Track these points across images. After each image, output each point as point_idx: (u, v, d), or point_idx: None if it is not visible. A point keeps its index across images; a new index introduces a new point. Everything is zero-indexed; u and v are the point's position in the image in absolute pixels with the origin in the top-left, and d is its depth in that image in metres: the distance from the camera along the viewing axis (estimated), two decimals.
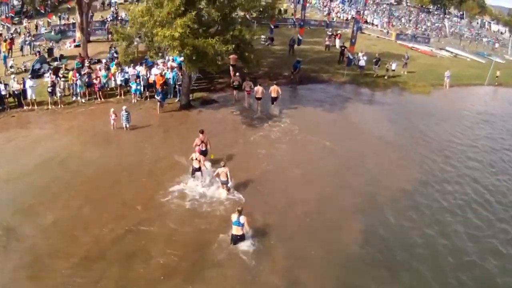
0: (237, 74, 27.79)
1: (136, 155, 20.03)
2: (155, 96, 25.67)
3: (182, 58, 24.12)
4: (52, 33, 38.14)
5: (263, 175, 18.96)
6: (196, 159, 17.08)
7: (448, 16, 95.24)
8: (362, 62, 35.36)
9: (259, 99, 25.83)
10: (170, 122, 24.58)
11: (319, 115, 27.03)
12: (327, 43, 42.67)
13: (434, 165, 21.68)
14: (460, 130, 27.19)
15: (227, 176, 16.28)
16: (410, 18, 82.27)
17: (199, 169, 17.25)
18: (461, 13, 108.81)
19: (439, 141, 24.94)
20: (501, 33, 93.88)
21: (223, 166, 16.35)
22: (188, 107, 26.67)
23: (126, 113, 22.40)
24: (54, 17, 47.20)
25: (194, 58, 22.61)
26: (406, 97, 33.03)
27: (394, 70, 36.46)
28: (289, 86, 31.87)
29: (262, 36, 42.98)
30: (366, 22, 64.21)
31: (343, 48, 38.20)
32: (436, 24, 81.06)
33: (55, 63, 31.15)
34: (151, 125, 23.64)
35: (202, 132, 18.56)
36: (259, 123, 24.97)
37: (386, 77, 35.76)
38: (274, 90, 25.90)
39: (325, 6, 67.79)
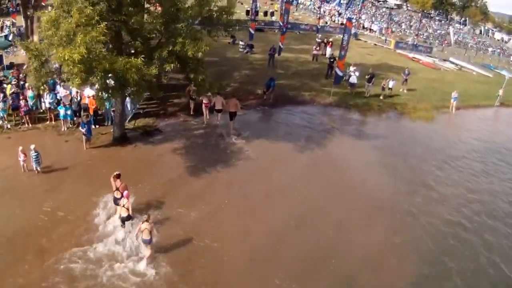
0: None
1: (32, 214, 14.00)
2: (80, 128, 18.90)
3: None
4: (11, 36, 31.70)
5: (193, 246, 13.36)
6: (124, 206, 13.21)
7: (451, 23, 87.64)
8: (353, 79, 28.20)
9: (219, 111, 21.48)
10: (94, 162, 17.72)
11: (289, 152, 20.11)
12: (314, 52, 35.38)
13: (445, 245, 14.68)
14: (476, 178, 20.19)
15: (150, 233, 12.23)
16: (411, 23, 74.78)
17: (129, 218, 13.33)
18: (463, 19, 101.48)
19: (448, 198, 17.94)
20: (505, 41, 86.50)
21: (146, 220, 12.34)
22: (122, 141, 19.72)
23: (36, 153, 16.52)
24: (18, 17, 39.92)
25: (114, 85, 16.32)
26: (405, 126, 25.85)
27: (391, 89, 29.32)
28: (260, 108, 24.96)
29: (241, 42, 35.93)
30: (363, 27, 56.88)
31: (332, 59, 30.95)
32: (439, 31, 73.59)
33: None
34: (68, 168, 16.96)
35: (118, 176, 14.04)
36: (205, 164, 18.17)
37: (381, 97, 28.54)
38: (232, 104, 21.00)
39: (319, 8, 60.23)
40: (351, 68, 29.05)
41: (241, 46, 36.04)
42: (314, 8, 65.98)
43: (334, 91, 27.64)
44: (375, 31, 56.59)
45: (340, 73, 26.80)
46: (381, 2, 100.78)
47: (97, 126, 20.76)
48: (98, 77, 15.37)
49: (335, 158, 20.08)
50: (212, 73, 28.78)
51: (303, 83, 29.42)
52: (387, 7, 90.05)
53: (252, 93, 26.28)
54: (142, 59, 15.44)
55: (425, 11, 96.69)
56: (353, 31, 50.37)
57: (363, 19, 62.08)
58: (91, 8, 14.64)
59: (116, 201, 13.86)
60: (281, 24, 43.99)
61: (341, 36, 47.08)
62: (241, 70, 30.72)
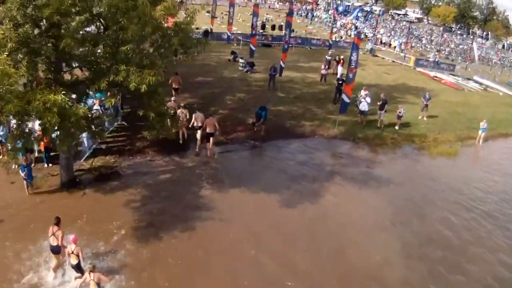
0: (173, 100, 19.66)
1: None
2: (20, 171, 14.73)
3: None
4: None
5: None
6: (73, 253, 10.72)
7: (472, 37, 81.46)
8: (364, 105, 23.24)
9: (198, 128, 18.30)
10: (32, 213, 13.54)
11: (273, 209, 15.24)
12: (323, 71, 30.46)
13: None
14: None
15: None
16: (432, 38, 69.12)
17: (78, 266, 10.83)
18: (485, 33, 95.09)
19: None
20: None
21: (91, 271, 9.98)
22: (71, 186, 15.33)
23: None
24: None
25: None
26: (423, 165, 20.78)
27: (400, 117, 24.10)
28: (248, 143, 20.29)
29: (241, 60, 31.30)
30: (381, 42, 51.72)
31: (341, 81, 26.09)
32: (461, 46, 67.73)
33: None
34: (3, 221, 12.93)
35: (57, 222, 11.19)
36: (161, 226, 13.51)
37: (397, 127, 23.50)
38: (210, 124, 17.86)
39: (334, 21, 55.28)
40: (362, 93, 24.12)
41: (241, 64, 31.48)
42: (330, 22, 61.12)
43: (341, 119, 22.85)
44: (395, 47, 51.18)
45: (347, 100, 21.90)
46: (401, 16, 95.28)
47: (50, 165, 16.47)
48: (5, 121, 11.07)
49: (332, 217, 15.21)
50: (202, 96, 24.58)
51: (305, 109, 24.64)
52: (408, 21, 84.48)
53: (242, 123, 21.64)
54: (64, 95, 11.03)
55: (446, 24, 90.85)
56: (369, 46, 45.64)
57: (381, 33, 56.84)
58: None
59: (53, 249, 11.11)
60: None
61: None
62: (235, 93, 26.10)
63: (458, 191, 18.18)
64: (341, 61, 32.36)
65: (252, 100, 24.90)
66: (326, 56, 33.37)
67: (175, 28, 13.34)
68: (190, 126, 18.55)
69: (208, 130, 17.84)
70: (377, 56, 44.64)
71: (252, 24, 32.22)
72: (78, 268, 10.93)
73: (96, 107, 17.99)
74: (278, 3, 76.62)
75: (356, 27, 56.49)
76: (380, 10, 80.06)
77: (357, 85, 29.60)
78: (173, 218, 13.93)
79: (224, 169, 17.31)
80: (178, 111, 18.28)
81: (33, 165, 16.14)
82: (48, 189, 15.05)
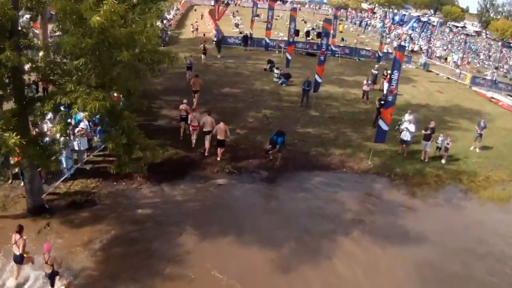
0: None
1: None
2: None
3: None
4: None
5: None
6: (47, 262, 9.26)
7: None
8: (406, 135, 18.68)
9: (207, 133, 16.50)
10: None
11: (264, 268, 11.38)
12: (365, 87, 25.85)
13: None
14: None
15: None
16: (490, 53, 61.92)
17: (51, 276, 9.43)
18: None
19: None
20: None
21: None
22: (37, 213, 12.46)
23: None
24: None
25: None
26: (468, 217, 15.82)
27: (439, 148, 19.29)
28: (258, 174, 16.30)
29: (276, 71, 27.40)
30: (436, 56, 46.00)
31: (383, 101, 21.62)
32: None
33: None
34: None
35: (19, 230, 9.74)
36: (122, 267, 10.24)
37: (443, 161, 18.80)
38: (220, 130, 16.10)
39: (389, 31, 49.91)
40: (406, 117, 19.60)
41: (276, 75, 27.58)
42: (386, 31, 55.77)
43: (378, 148, 18.43)
44: (451, 62, 45.15)
45: (385, 127, 17.50)
46: (459, 28, 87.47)
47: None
48: None
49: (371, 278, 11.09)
50: (221, 110, 20.88)
51: (339, 133, 20.43)
52: (466, 34, 76.99)
53: (258, 147, 17.84)
54: None
55: (504, 39, 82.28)
56: (423, 60, 40.26)
57: (437, 46, 50.84)
58: None
59: (14, 259, 9.81)
60: (332, 47, 35.31)
61: (409, 67, 38.07)
62: (261, 108, 22.28)
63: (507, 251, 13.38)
64: (387, 76, 27.66)
65: (279, 119, 21.08)
66: (372, 70, 28.81)
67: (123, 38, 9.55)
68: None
69: (218, 137, 16.02)
70: (431, 71, 39.23)
71: (289, 30, 27.99)
72: (49, 278, 9.56)
73: (83, 124, 14.78)
74: (331, 9, 71.71)
75: (411, 39, 50.81)
76: (437, 22, 73.24)
77: (405, 105, 25.54)
78: (132, 270, 10.35)
79: (218, 209, 13.59)
80: (190, 115, 17.01)
81: (10, 181, 13.39)
82: (14, 212, 12.36)
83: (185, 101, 18.24)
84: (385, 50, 39.60)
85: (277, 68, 27.90)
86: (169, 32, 39.90)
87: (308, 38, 40.77)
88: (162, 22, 40.58)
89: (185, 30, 44.19)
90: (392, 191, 16.23)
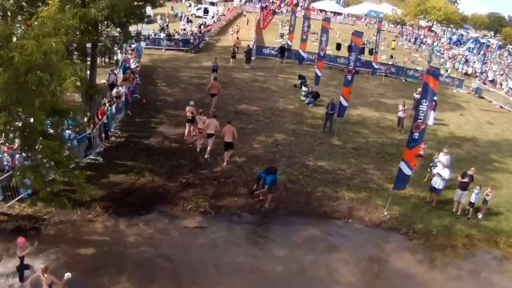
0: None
1: None
2: None
3: None
4: None
5: None
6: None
7: None
8: (437, 182, 14.81)
9: (210, 135, 15.69)
10: None
11: None
12: (400, 113, 21.83)
13: None
14: None
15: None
16: None
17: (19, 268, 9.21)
18: None
19: None
20: None
21: (43, 272, 8.49)
22: None
23: None
24: None
25: None
26: None
27: (472, 205, 14.66)
28: (243, 217, 13.16)
29: (303, 88, 24.15)
30: (491, 81, 40.35)
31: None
32: None
33: None
34: None
35: None
36: None
37: (480, 215, 14.67)
38: (228, 132, 15.16)
39: (444, 51, 44.82)
40: (440, 157, 15.76)
41: (303, 93, 24.29)
42: (441, 51, 50.52)
43: (401, 193, 14.78)
44: (506, 88, 39.20)
45: (408, 171, 13.77)
46: None
47: None
48: None
49: None
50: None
51: (358, 169, 16.83)
52: None
53: (250, 182, 14.63)
54: None
55: None
56: (476, 85, 35.15)
57: (494, 70, 44.91)
58: None
59: None
60: (375, 65, 31.36)
61: (460, 91, 33.06)
62: (274, 132, 19.14)
63: None
64: (433, 102, 23.49)
65: (290, 146, 17.95)
66: (414, 94, 24.68)
67: None
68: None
69: (225, 139, 15.16)
70: (483, 97, 33.96)
71: (320, 43, 24.55)
72: (18, 270, 9.24)
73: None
74: (388, 24, 66.77)
75: (466, 60, 45.24)
76: (496, 44, 66.06)
77: (448, 137, 21.71)
78: None
79: (170, 262, 10.70)
80: (197, 117, 16.43)
81: None
82: None
83: (191, 102, 17.65)
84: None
85: (306, 85, 24.56)
86: (206, 38, 37.68)
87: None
88: (199, 27, 38.52)
89: (226, 37, 41.80)
90: (404, 256, 12.45)
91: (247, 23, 48.86)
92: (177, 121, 19.00)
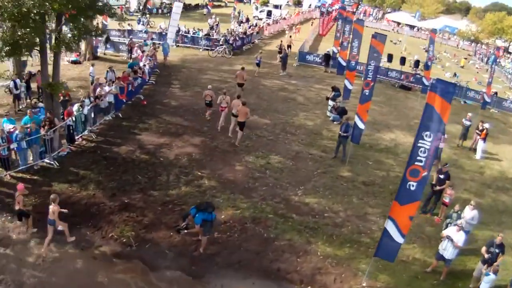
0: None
1: None
2: None
3: None
4: None
5: None
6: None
7: None
8: (448, 248, 10.43)
9: (241, 124, 15.50)
10: None
11: None
12: (441, 144, 17.12)
13: None
14: None
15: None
16: None
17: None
18: None
19: None
20: None
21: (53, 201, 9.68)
22: None
23: None
24: None
25: None
26: None
27: None
28: (171, 261, 10.27)
29: (330, 103, 20.54)
30: None
31: (444, 178, 13.71)
32: None
33: None
34: None
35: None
36: None
37: None
38: (242, 112, 15.31)
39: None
40: (466, 212, 11.61)
41: (329, 108, 20.58)
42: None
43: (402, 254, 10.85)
44: None
45: (400, 238, 9.63)
46: None
47: None
48: None
49: None
50: (213, 147, 15.26)
51: (356, 213, 13.04)
52: None
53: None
54: None
55: None
56: None
57: None
58: None
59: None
60: (425, 82, 26.39)
61: None
62: (271, 153, 15.87)
63: None
64: (484, 131, 18.69)
65: (281, 173, 14.61)
66: (464, 120, 19.83)
67: None
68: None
69: (239, 119, 15.55)
70: None
71: (351, 49, 20.54)
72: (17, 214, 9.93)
73: None
74: (463, 42, 59.15)
75: None
76: None
77: (495, 176, 16.95)
78: None
79: None
80: (220, 97, 16.79)
81: None
82: None
83: (209, 86, 18.08)
84: (493, 95, 28.50)
85: (333, 100, 20.77)
86: (256, 41, 34.83)
87: (415, 68, 31.75)
88: (249, 28, 35.79)
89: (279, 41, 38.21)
90: None
91: (312, 25, 45.39)
92: (165, 129, 16.65)
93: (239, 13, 47.96)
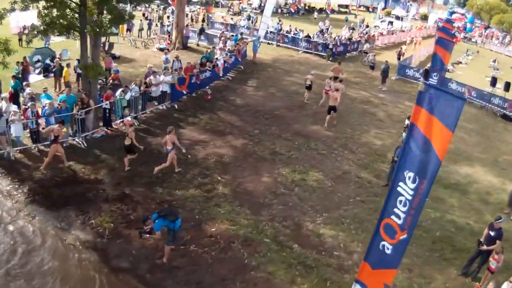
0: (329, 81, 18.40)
1: None
2: None
3: None
4: None
5: None
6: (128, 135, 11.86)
7: None
8: None
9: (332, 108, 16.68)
10: None
11: None
12: None
13: None
14: None
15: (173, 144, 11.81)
16: None
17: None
18: None
19: None
20: None
21: (169, 132, 11.96)
22: None
23: None
24: None
25: None
26: None
27: None
28: (132, 263, 9.23)
29: (406, 122, 17.28)
30: None
31: (496, 235, 10.29)
32: None
33: None
34: None
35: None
36: None
37: None
38: (332, 97, 16.67)
39: None
40: None
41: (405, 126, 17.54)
42: None
43: None
44: None
45: None
46: None
47: None
48: None
49: None
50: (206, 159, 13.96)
51: None
52: None
53: (196, 221, 10.44)
54: None
55: None
56: None
57: None
58: None
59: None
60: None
61: None
62: (311, 169, 13.90)
63: None
64: None
65: (309, 195, 12.63)
66: None
67: None
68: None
69: (330, 103, 16.82)
70: None
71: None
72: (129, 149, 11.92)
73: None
74: None
75: None
76: None
77: None
78: None
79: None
80: (326, 80, 18.72)
81: None
82: None
83: (313, 72, 20.19)
84: None
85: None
86: (370, 57, 31.70)
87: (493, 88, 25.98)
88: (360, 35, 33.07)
89: (392, 53, 34.44)
90: None
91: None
92: (212, 127, 16.00)
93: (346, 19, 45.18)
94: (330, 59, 27.67)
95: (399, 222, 6.02)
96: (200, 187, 11.96)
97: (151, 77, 15.76)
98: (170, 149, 11.62)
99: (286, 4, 48.91)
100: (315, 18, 46.13)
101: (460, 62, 36.65)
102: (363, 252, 9.85)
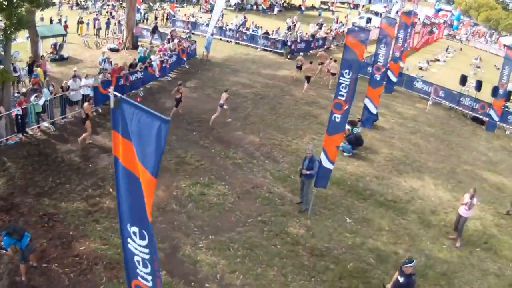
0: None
1: None
2: None
3: None
4: None
5: None
6: None
7: None
8: None
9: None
10: None
11: None
12: (462, 209, 11.32)
13: None
14: None
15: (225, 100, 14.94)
16: None
17: None
18: None
19: None
20: None
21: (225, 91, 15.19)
22: None
23: None
24: None
25: None
26: None
27: None
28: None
29: (348, 127, 16.48)
30: None
31: None
32: None
33: None
34: None
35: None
36: None
37: None
38: (309, 68, 21.10)
39: None
40: None
41: (345, 136, 16.53)
42: None
43: None
44: None
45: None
46: None
47: None
48: None
49: None
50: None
51: None
52: None
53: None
54: None
55: None
56: None
57: None
58: None
59: None
60: (494, 115, 20.19)
61: None
62: (227, 182, 13.08)
63: None
64: None
65: (202, 215, 11.72)
66: None
67: None
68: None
69: (305, 74, 21.02)
70: None
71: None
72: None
73: None
74: None
75: None
76: None
77: None
78: None
79: None
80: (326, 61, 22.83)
81: None
82: None
83: (301, 53, 24.76)
84: None
85: (354, 124, 16.72)
86: (332, 46, 30.71)
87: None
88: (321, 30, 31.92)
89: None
90: None
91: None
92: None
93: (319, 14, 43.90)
94: (288, 56, 26.73)
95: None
96: (87, 200, 11.18)
97: (70, 81, 15.01)
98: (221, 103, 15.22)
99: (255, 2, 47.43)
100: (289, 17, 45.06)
101: (438, 60, 35.54)
102: (242, 286, 8.96)
